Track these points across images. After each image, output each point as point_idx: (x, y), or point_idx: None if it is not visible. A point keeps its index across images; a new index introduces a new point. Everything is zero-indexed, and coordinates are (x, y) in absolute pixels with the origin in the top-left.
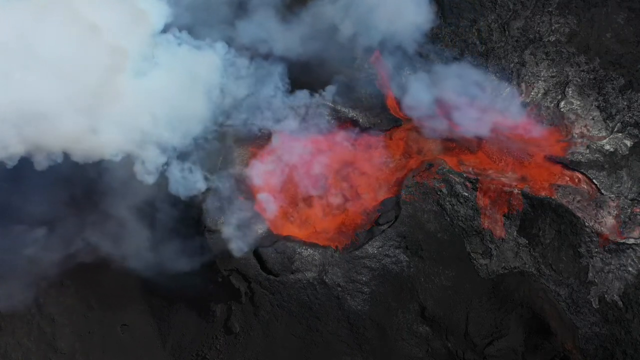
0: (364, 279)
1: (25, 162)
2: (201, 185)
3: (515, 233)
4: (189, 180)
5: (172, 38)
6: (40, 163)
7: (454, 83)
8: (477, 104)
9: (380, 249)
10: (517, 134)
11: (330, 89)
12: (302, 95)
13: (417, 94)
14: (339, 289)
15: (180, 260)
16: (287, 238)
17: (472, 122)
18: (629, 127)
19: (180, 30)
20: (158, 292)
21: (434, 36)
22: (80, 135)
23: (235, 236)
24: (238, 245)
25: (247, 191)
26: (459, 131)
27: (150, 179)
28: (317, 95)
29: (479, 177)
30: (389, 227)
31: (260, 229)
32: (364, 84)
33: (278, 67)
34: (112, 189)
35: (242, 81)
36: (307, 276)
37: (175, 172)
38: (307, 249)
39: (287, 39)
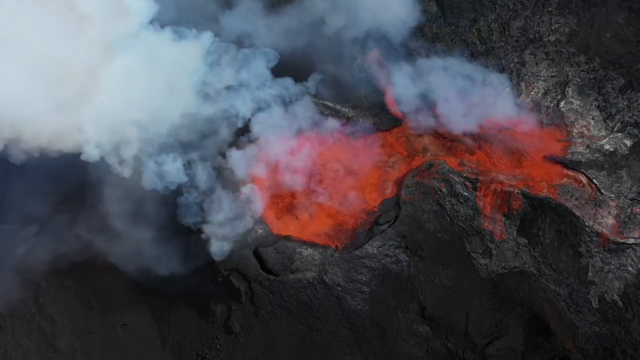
0: (363, 278)
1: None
2: (180, 178)
3: (515, 233)
4: (167, 172)
5: (152, 29)
6: (17, 157)
7: (448, 79)
8: (469, 98)
9: (380, 249)
10: (513, 131)
11: (315, 77)
12: (295, 89)
13: (408, 89)
14: (339, 288)
15: (180, 260)
16: (287, 238)
17: (463, 117)
18: (628, 127)
19: (162, 27)
20: (158, 292)
21: (434, 36)
22: (60, 131)
23: (216, 237)
24: (218, 248)
25: (231, 186)
26: (451, 126)
27: (125, 172)
28: (305, 87)
29: (479, 177)
30: (389, 227)
31: (245, 228)
32: (363, 84)
33: (264, 59)
34: (110, 186)
35: (226, 71)
36: (307, 276)
37: (152, 164)
38: (307, 249)
39: (273, 34)
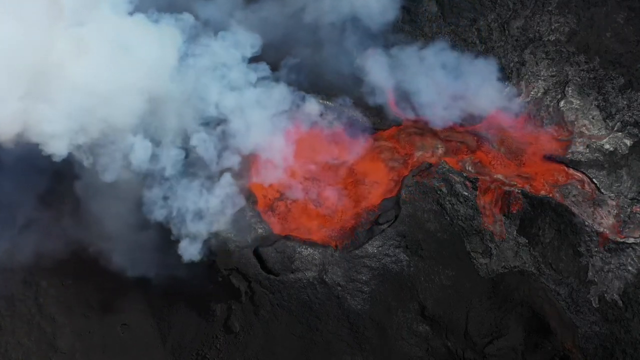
0: (363, 278)
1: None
2: (147, 166)
3: (515, 232)
4: (133, 160)
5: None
6: None
7: (443, 73)
8: (454, 92)
9: (380, 249)
10: (513, 130)
11: (287, 62)
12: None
13: (407, 87)
14: (339, 288)
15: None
16: (287, 238)
17: (456, 111)
18: (628, 126)
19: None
20: (158, 292)
21: (433, 35)
22: (26, 124)
23: (189, 236)
24: (188, 247)
25: (205, 177)
26: (437, 121)
27: (86, 161)
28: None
29: (478, 177)
30: (388, 226)
31: (224, 225)
32: (362, 83)
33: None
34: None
35: (203, 53)
36: (307, 275)
37: (116, 152)
38: (307, 249)
39: (252, 25)
